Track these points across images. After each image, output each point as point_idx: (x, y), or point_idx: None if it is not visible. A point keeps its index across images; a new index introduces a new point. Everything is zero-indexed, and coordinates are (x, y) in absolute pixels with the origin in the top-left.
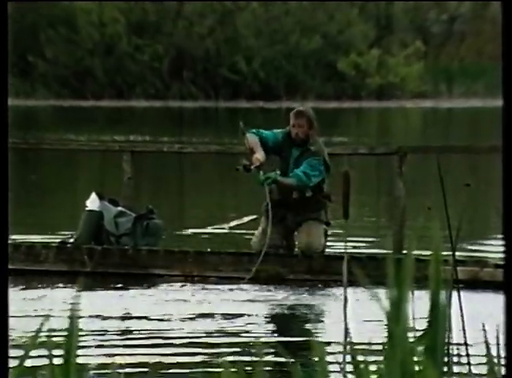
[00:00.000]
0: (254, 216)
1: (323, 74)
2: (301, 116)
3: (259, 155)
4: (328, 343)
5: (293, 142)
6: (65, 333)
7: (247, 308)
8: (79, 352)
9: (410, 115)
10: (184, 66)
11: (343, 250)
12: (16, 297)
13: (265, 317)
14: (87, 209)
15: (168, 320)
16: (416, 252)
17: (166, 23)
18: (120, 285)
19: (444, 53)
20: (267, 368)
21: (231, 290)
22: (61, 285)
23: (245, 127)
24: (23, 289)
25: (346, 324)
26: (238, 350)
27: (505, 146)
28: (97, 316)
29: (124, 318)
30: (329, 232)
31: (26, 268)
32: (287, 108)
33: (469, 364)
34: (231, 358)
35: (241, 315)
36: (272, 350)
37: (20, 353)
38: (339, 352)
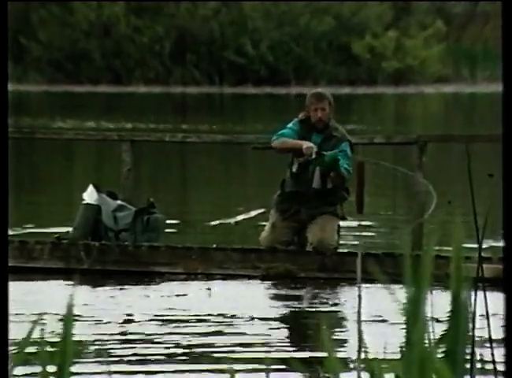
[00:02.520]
0: (262, 210)
1: (336, 57)
2: (323, 99)
3: (306, 144)
4: (342, 350)
5: (313, 128)
6: (59, 338)
7: (256, 310)
8: (75, 359)
9: (430, 101)
10: (187, 49)
11: (357, 247)
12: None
13: (274, 320)
14: (83, 202)
15: (172, 321)
16: (436, 248)
17: (168, 3)
18: (119, 283)
19: (467, 34)
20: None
21: (238, 289)
22: (56, 283)
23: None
24: (15, 288)
25: (360, 326)
26: (244, 358)
27: (505, 142)
28: (94, 318)
29: (123, 319)
30: (343, 226)
31: (18, 265)
32: (296, 94)
33: (495, 370)
34: (238, 367)
35: (249, 317)
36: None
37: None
38: (353, 361)
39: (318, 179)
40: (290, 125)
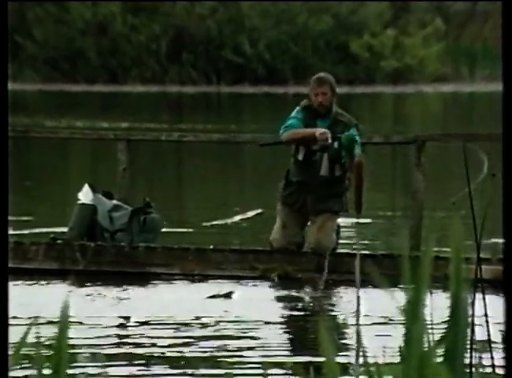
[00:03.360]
0: (260, 210)
1: (334, 56)
2: (324, 83)
3: (319, 131)
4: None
5: (316, 114)
6: (54, 342)
7: (254, 312)
8: (71, 364)
9: (429, 100)
10: (184, 48)
11: (355, 248)
12: None
13: (272, 323)
14: (79, 202)
15: (168, 324)
16: (435, 249)
17: (164, 1)
18: (115, 285)
19: (466, 33)
20: None
21: (235, 290)
22: (51, 285)
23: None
24: (10, 289)
25: (358, 329)
26: (242, 362)
27: (505, 142)
28: (89, 321)
29: (120, 322)
30: (341, 226)
31: (13, 267)
32: (293, 93)
33: (494, 373)
34: (236, 371)
35: (247, 320)
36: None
37: None
38: (351, 364)
39: (326, 166)
40: (293, 114)
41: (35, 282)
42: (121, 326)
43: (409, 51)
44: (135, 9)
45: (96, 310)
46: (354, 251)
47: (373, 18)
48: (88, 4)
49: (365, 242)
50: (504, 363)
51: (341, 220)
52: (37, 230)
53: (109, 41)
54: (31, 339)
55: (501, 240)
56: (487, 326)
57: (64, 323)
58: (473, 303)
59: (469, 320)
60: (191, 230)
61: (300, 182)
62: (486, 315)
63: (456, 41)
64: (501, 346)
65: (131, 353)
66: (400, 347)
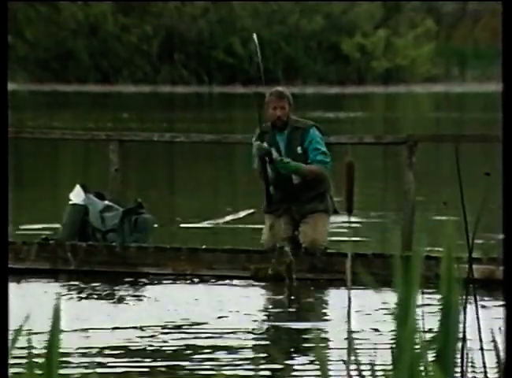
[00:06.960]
0: (251, 211)
1: (325, 57)
2: (284, 98)
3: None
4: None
5: (273, 131)
6: (45, 345)
7: (245, 315)
8: (61, 371)
9: (420, 101)
10: (175, 48)
11: (346, 247)
12: None
13: (263, 324)
14: (70, 202)
15: (160, 325)
16: (426, 249)
17: (156, 1)
18: (106, 285)
19: (457, 33)
20: None
21: (226, 291)
22: (42, 285)
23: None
24: None
25: (350, 329)
26: (233, 365)
27: (505, 141)
28: (80, 322)
29: (111, 323)
30: (333, 225)
31: None
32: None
33: (485, 372)
34: (228, 372)
35: (239, 324)
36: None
37: None
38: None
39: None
40: (252, 142)
41: (26, 282)
42: (112, 328)
43: (400, 52)
44: (126, 8)
45: (87, 311)
46: (345, 251)
47: (365, 18)
48: (79, 3)
49: (357, 241)
50: (504, 362)
51: (332, 219)
52: (29, 230)
53: (100, 41)
54: (20, 343)
55: (495, 236)
56: (479, 326)
57: (55, 330)
58: (464, 304)
59: (461, 321)
60: (182, 230)
61: (280, 199)
62: (477, 315)
63: (447, 41)
64: (492, 347)
65: (119, 358)
66: (392, 347)
